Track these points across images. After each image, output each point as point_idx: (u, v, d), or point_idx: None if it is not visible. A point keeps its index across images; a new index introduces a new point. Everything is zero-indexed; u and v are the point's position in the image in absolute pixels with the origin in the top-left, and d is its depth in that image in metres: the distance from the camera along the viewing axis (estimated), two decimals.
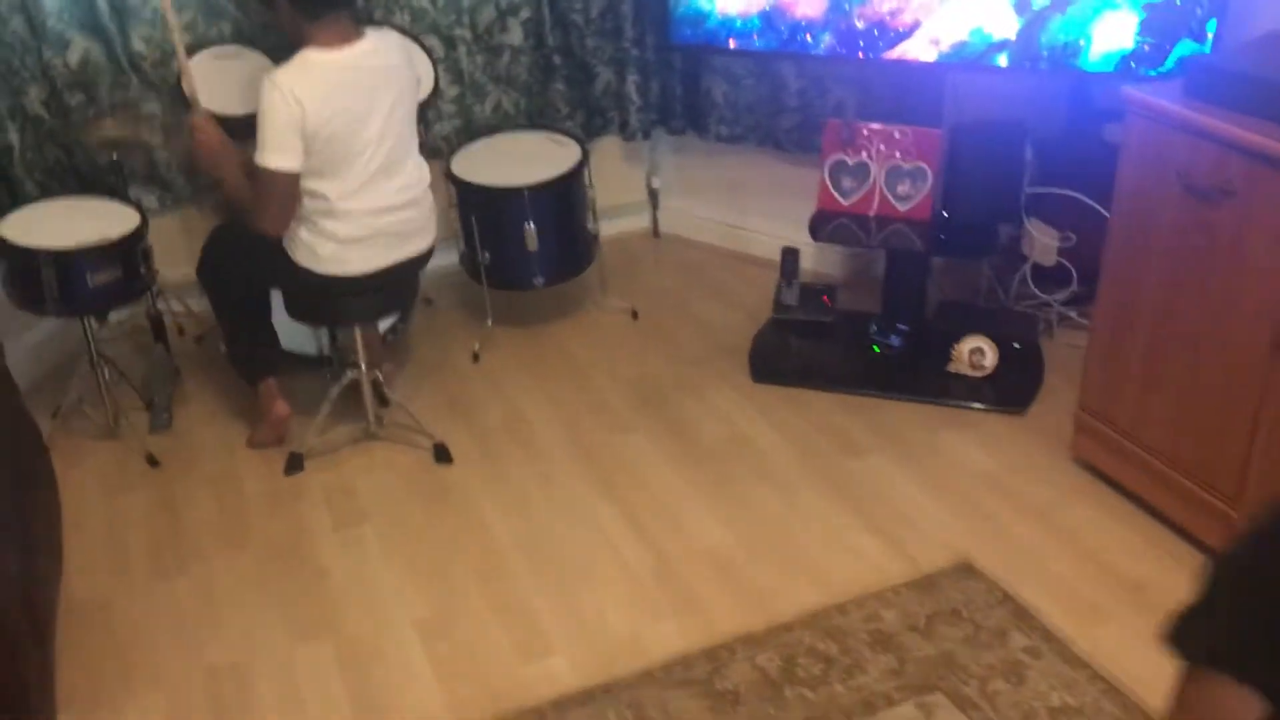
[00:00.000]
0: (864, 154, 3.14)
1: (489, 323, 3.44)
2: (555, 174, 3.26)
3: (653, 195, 4.07)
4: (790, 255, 3.41)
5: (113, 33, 3.16)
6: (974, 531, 2.61)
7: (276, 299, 2.89)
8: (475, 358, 3.37)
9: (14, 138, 3.10)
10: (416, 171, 2.69)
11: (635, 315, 3.58)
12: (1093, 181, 3.23)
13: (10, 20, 3.04)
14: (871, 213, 3.16)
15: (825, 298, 3.44)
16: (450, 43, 3.51)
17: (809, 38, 3.05)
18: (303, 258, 2.63)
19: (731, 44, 3.15)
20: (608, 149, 3.87)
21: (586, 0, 3.62)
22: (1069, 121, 3.34)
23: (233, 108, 2.97)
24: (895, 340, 3.26)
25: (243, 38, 3.27)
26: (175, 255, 3.46)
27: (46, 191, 3.17)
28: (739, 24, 3.12)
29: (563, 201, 3.32)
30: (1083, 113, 3.29)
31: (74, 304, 2.76)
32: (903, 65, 2.99)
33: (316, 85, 2.44)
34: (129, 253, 2.80)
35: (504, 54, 3.62)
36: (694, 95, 3.74)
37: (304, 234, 2.61)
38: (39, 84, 3.14)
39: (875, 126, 3.11)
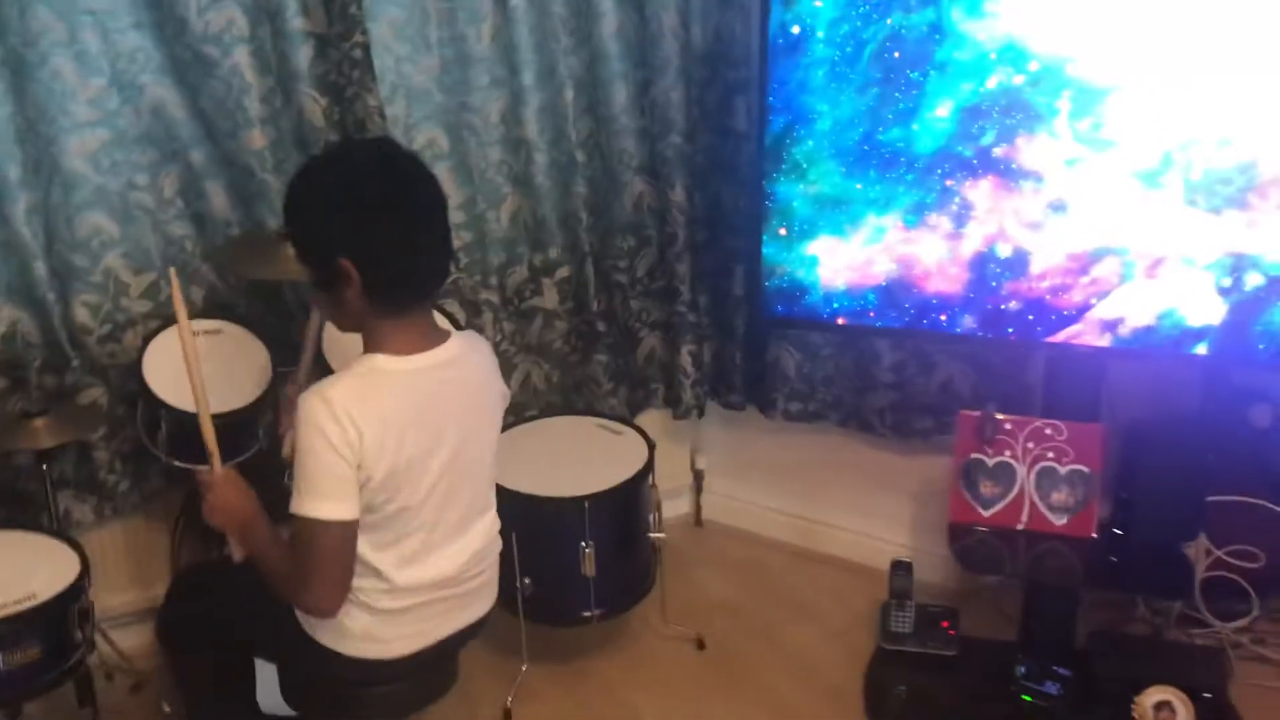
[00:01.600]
0: (1006, 452, 2.53)
1: (524, 666, 2.66)
2: (619, 478, 2.57)
3: (697, 477, 3.41)
4: (902, 571, 2.75)
5: (50, 301, 2.45)
6: None
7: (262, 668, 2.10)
8: (508, 718, 2.58)
9: None
10: (493, 522, 1.98)
11: (701, 644, 2.84)
12: (1264, 480, 2.67)
13: None
14: (1020, 526, 2.53)
15: (945, 624, 2.76)
16: (475, 308, 2.87)
17: (943, 318, 2.47)
18: (324, 634, 1.86)
19: (840, 321, 2.57)
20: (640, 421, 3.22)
21: (633, 257, 3.04)
22: (1204, 404, 2.79)
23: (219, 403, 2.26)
24: (1053, 688, 2.56)
25: (221, 309, 2.59)
26: (111, 577, 2.67)
27: None
28: (846, 301, 2.54)
29: (628, 512, 2.63)
30: (1219, 394, 2.75)
31: None
32: (1067, 351, 2.42)
33: (383, 406, 1.73)
34: (61, 618, 2.00)
35: (536, 319, 2.99)
36: (758, 366, 3.12)
37: None
38: None
39: (1020, 419, 2.52)
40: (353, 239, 1.71)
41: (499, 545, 2.01)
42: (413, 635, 1.90)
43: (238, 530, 1.87)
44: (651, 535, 2.70)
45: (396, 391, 1.76)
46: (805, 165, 2.48)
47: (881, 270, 2.49)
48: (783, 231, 2.54)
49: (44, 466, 2.30)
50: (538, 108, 2.82)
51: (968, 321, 2.45)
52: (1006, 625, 2.76)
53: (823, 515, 3.26)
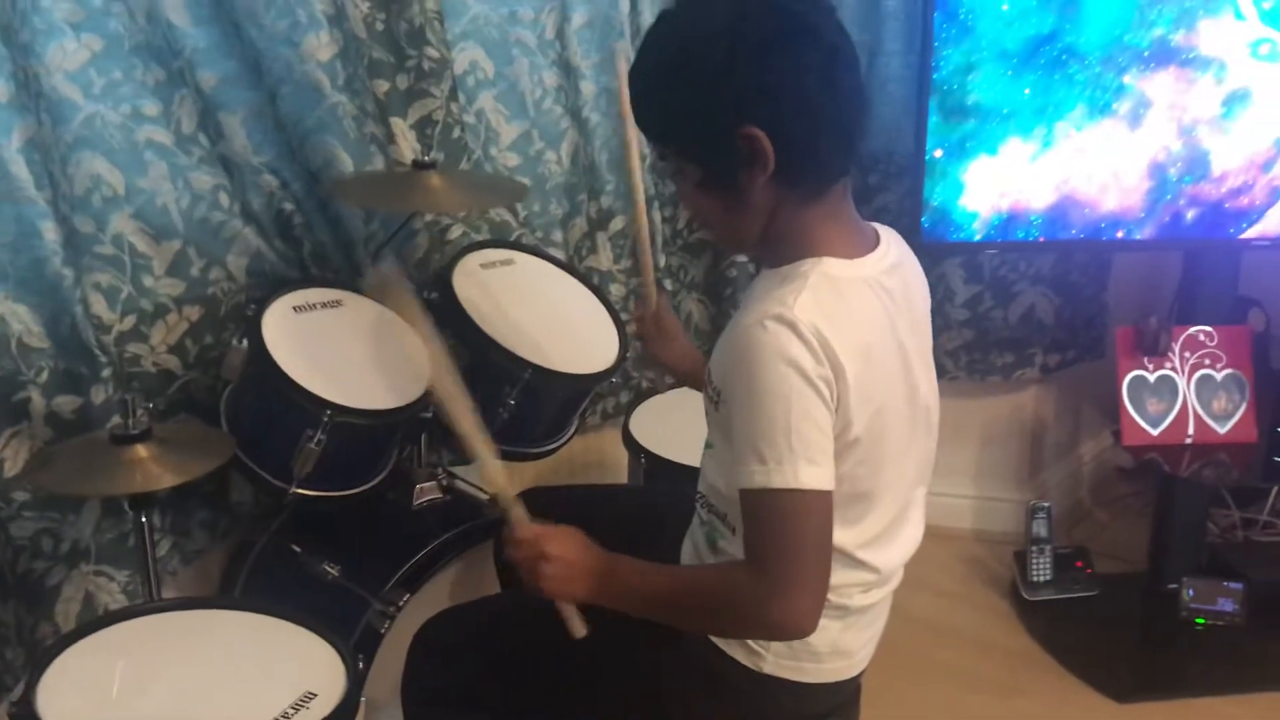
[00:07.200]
0: (1166, 365, 2.43)
1: None
2: None
3: None
4: (1042, 515, 2.56)
5: (66, 282, 1.63)
6: None
7: None
8: None
9: None
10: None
11: None
12: None
13: None
14: (1188, 440, 2.43)
15: (1080, 564, 2.60)
16: None
17: (1120, 234, 2.33)
18: (778, 662, 1.32)
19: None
20: None
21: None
22: None
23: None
24: (1227, 605, 2.47)
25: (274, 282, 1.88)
26: None
27: None
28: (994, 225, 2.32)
29: None
30: None
31: None
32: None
33: (859, 328, 1.23)
34: None
35: None
36: None
37: None
38: None
39: (1176, 328, 2.43)
40: (761, 93, 1.17)
41: None
42: (870, 641, 1.41)
43: (596, 591, 1.29)
44: None
45: (865, 307, 1.26)
46: None
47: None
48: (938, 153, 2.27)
49: (141, 517, 1.49)
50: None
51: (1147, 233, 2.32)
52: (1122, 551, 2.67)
53: None
